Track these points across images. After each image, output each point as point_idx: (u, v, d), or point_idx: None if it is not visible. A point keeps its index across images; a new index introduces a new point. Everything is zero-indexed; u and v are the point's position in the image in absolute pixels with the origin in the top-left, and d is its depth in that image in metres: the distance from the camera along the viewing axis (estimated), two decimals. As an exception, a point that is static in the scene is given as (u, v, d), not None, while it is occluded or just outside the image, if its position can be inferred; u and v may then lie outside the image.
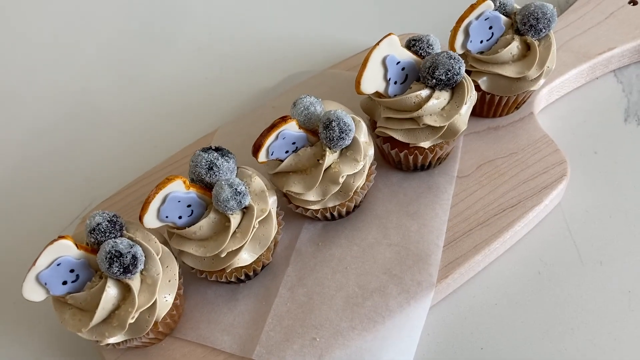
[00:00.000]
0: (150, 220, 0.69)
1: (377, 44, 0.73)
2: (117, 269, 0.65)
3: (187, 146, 0.94)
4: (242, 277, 0.76)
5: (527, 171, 0.83)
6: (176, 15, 1.23)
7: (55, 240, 0.65)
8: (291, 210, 0.81)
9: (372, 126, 0.82)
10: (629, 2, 1.00)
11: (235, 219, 0.70)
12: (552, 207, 0.84)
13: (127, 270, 0.66)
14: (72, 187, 0.98)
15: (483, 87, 0.83)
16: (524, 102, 0.89)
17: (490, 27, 0.80)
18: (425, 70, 0.74)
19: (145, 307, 0.67)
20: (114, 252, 0.65)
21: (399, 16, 1.15)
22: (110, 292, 0.66)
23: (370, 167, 0.78)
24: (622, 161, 0.88)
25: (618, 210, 0.84)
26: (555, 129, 0.92)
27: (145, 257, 0.68)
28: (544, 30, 0.79)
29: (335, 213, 0.79)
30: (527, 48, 0.81)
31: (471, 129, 0.89)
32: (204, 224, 0.70)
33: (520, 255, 0.82)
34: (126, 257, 0.65)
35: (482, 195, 0.82)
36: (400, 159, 0.82)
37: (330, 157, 0.73)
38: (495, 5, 0.80)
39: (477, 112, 0.89)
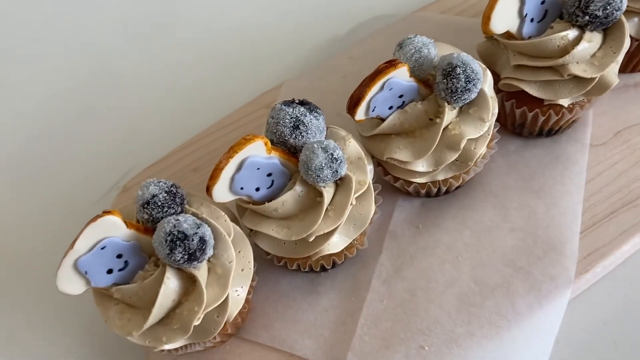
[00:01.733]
0: (221, 192, 0.53)
1: (515, -33, 0.55)
2: (180, 255, 0.50)
3: (247, 103, 0.78)
4: (329, 266, 0.60)
5: (682, 139, 0.66)
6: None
7: (99, 216, 0.50)
8: (387, 183, 0.64)
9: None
10: None
11: (328, 193, 0.54)
12: None
13: (194, 257, 0.50)
14: (109, 151, 0.83)
15: (632, 31, 0.66)
16: (675, 52, 0.71)
17: (651, -49, 0.62)
18: (574, 5, 0.57)
19: (215, 306, 0.52)
20: (176, 233, 0.50)
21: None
22: (170, 285, 0.51)
23: (492, 131, 0.62)
24: None
25: None
26: None
27: (214, 239, 0.53)
28: None
29: (444, 187, 0.63)
30: (699, -23, 0.63)
31: (604, 86, 0.71)
32: (289, 199, 0.54)
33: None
34: (192, 239, 0.50)
35: (624, 168, 0.66)
36: (524, 121, 0.65)
37: (449, 115, 0.56)
38: None
39: (613, 64, 0.71)
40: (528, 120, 0.64)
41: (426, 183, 0.61)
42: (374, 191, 0.61)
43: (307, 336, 0.60)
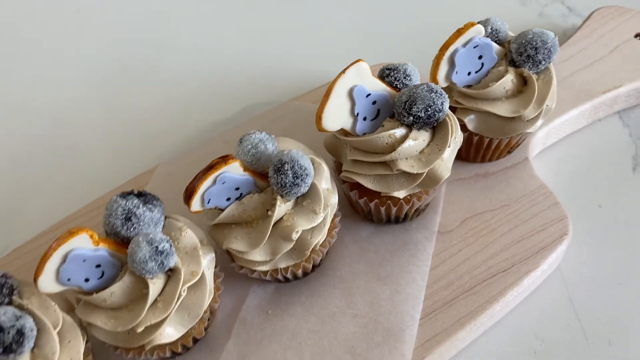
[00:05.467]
0: (47, 283, 0.54)
1: (343, 71, 0.60)
2: (-6, 349, 0.50)
3: (117, 187, 0.79)
4: (168, 355, 0.61)
5: (522, 228, 0.70)
6: (121, 35, 1.09)
7: None
8: (235, 270, 0.66)
9: (338, 169, 0.69)
10: (635, 36, 0.89)
11: (155, 285, 0.55)
12: (550, 271, 0.70)
13: (9, 349, 0.51)
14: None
15: (470, 126, 0.70)
16: (518, 145, 0.76)
17: (480, 57, 0.67)
18: (400, 106, 0.61)
19: (32, 399, 0.52)
20: (-8, 326, 0.50)
21: (375, 44, 1.02)
22: (-14, 379, 0.51)
23: (333, 220, 0.64)
24: (632, 217, 0.75)
25: (629, 276, 0.70)
26: (553, 177, 0.79)
27: (38, 330, 0.53)
28: (543, 62, 0.67)
29: (288, 275, 0.65)
30: (523, 82, 0.69)
31: (455, 176, 0.75)
32: (117, 290, 0.55)
33: (511, 329, 0.67)
34: (8, 332, 0.50)
35: (467, 255, 0.69)
36: (370, 209, 0.68)
37: (282, 208, 0.59)
38: (486, 31, 0.68)
39: (463, 156, 0.76)
40: (372, 209, 0.68)
41: (268, 271, 0.63)
42: (216, 279, 0.63)
43: None
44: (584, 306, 0.69)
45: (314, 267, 0.67)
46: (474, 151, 0.74)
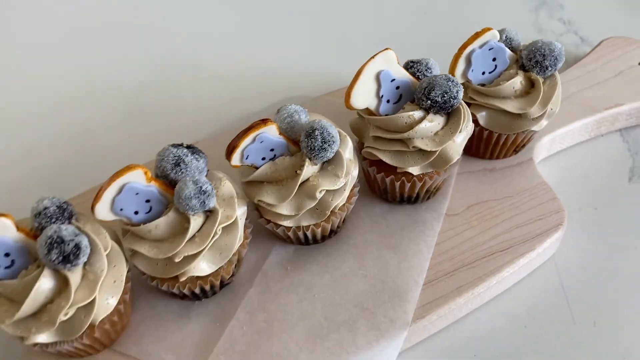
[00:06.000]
0: (103, 211, 0.62)
1: (373, 57, 0.69)
2: (56, 256, 0.58)
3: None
4: (197, 291, 0.68)
5: (522, 216, 0.77)
6: (168, 32, 1.21)
7: (-8, 216, 0.59)
8: (262, 227, 0.74)
9: (360, 149, 0.77)
10: (639, 64, 0.97)
11: (195, 221, 0.64)
12: (545, 257, 0.77)
13: (67, 259, 0.59)
14: (43, 181, 0.93)
15: (482, 122, 0.79)
16: (524, 145, 0.84)
17: (494, 59, 0.76)
18: (420, 91, 0.69)
19: (82, 304, 0.60)
20: (55, 237, 0.58)
21: (404, 50, 1.12)
22: (45, 283, 0.59)
23: (352, 189, 0.73)
24: (624, 220, 0.82)
25: (616, 271, 0.77)
26: (555, 179, 0.86)
27: (90, 250, 0.62)
28: (550, 69, 0.75)
29: (309, 234, 0.72)
30: (530, 85, 0.77)
31: (465, 168, 0.83)
32: (161, 223, 0.64)
33: (506, 305, 0.74)
34: (68, 244, 0.59)
35: (470, 235, 0.76)
36: (386, 186, 0.76)
37: (309, 169, 0.67)
38: (501, 39, 0.77)
39: (474, 151, 0.84)
40: (388, 185, 0.76)
41: (291, 227, 0.71)
42: (246, 229, 0.71)
43: (171, 353, 0.67)
44: (574, 291, 0.75)
45: (331, 232, 0.75)
46: (484, 147, 0.82)
